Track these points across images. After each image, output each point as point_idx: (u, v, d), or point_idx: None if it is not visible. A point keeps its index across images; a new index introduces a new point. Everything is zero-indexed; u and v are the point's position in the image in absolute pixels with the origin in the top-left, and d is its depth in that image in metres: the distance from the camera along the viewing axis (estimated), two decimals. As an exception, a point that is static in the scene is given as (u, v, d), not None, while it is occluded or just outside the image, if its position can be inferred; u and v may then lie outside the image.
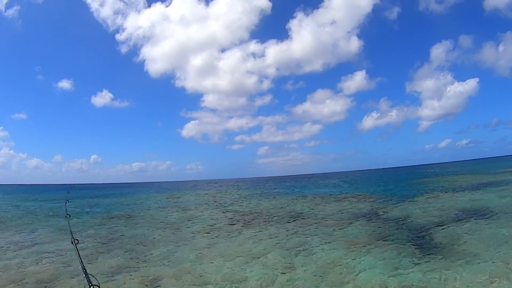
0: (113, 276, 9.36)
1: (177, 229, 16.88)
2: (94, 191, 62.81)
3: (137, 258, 11.31)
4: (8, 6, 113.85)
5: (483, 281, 7.60)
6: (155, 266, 10.32)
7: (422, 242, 11.42)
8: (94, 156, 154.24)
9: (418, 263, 9.22)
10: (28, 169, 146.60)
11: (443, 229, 13.05)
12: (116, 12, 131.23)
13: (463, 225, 13.40)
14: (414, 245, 11.07)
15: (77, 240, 4.52)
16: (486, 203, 17.87)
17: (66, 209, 5.96)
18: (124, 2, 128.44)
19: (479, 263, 8.75)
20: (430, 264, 9.10)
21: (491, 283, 7.43)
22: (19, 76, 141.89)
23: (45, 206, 31.27)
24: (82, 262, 3.90)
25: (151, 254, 11.80)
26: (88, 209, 27.56)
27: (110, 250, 12.49)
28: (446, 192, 25.09)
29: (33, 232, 16.79)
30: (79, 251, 4.20)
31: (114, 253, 12.01)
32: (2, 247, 13.28)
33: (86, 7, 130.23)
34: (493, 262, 8.64)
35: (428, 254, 9.95)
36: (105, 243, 13.66)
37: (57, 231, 16.39)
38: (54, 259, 11.09)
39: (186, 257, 11.16)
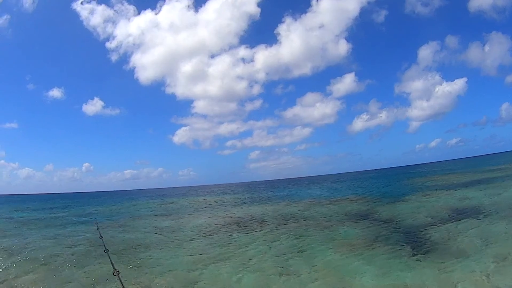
0: (106, 281, 9.27)
1: (171, 234, 16.74)
2: (87, 200, 61.97)
3: (130, 263, 11.19)
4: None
5: (477, 279, 7.68)
6: (149, 271, 10.24)
7: (415, 242, 11.46)
8: (86, 165, 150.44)
9: (411, 264, 9.28)
10: (20, 179, 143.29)
11: (435, 228, 13.13)
12: (106, 20, 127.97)
13: (454, 224, 13.51)
14: (407, 246, 11.10)
15: (118, 271, 4.42)
16: (477, 202, 18.08)
17: (104, 244, 5.67)
18: (114, 10, 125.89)
19: (472, 261, 8.86)
20: (423, 263, 9.16)
21: (485, 280, 7.52)
22: (9, 85, 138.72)
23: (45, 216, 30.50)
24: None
25: (144, 259, 11.71)
26: (82, 218, 27.03)
27: (102, 255, 12.15)
28: (437, 191, 25.27)
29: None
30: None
31: (106, 258, 11.73)
32: None
33: (76, 15, 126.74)
34: (485, 260, 8.75)
35: (421, 254, 10.00)
36: (97, 249, 13.16)
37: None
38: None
39: (180, 263, 11.12)
